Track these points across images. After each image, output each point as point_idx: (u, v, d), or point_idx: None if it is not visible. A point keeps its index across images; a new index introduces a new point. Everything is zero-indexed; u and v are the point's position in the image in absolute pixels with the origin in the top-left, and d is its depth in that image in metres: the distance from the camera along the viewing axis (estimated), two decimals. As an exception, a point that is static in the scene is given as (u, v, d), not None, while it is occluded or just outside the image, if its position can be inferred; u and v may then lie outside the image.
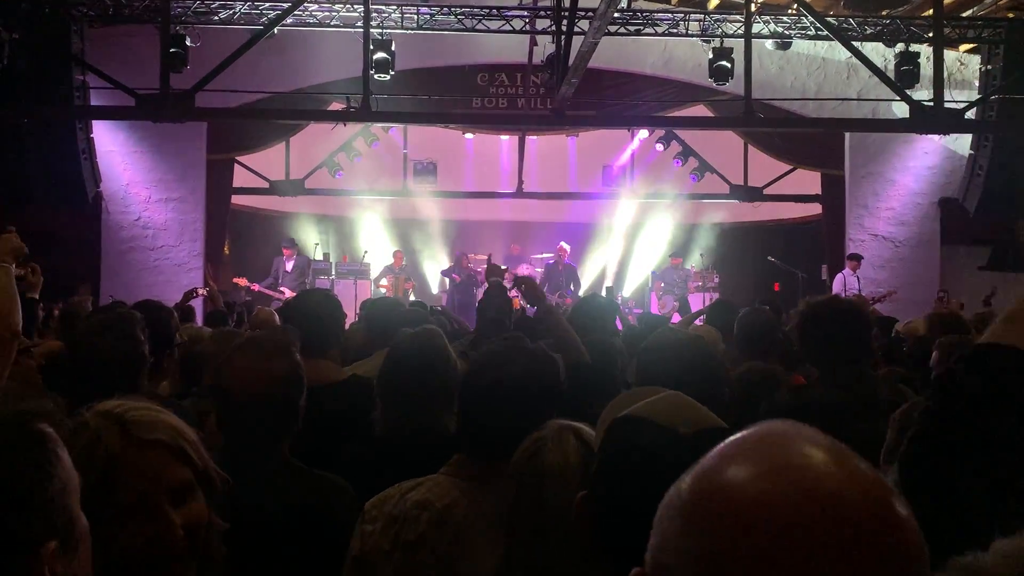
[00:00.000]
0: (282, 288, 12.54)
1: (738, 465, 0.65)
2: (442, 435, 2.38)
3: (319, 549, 1.99)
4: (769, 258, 14.39)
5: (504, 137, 14.53)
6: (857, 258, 12.38)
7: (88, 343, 2.52)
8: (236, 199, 13.56)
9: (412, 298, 12.29)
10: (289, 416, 2.09)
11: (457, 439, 2.16)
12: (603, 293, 11.93)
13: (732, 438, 0.69)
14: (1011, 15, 11.34)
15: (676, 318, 11.33)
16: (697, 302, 13.71)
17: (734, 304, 4.99)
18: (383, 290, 13.30)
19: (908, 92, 9.80)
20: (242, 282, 12.42)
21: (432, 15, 11.32)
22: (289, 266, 12.80)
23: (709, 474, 0.66)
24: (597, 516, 1.23)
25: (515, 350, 2.05)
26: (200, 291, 7.00)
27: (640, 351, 2.54)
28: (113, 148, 12.42)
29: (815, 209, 14.25)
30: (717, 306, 5.29)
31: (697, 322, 8.23)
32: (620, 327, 7.50)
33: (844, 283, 11.99)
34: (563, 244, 13.90)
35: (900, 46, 11.37)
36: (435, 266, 15.34)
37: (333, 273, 13.60)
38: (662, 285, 13.87)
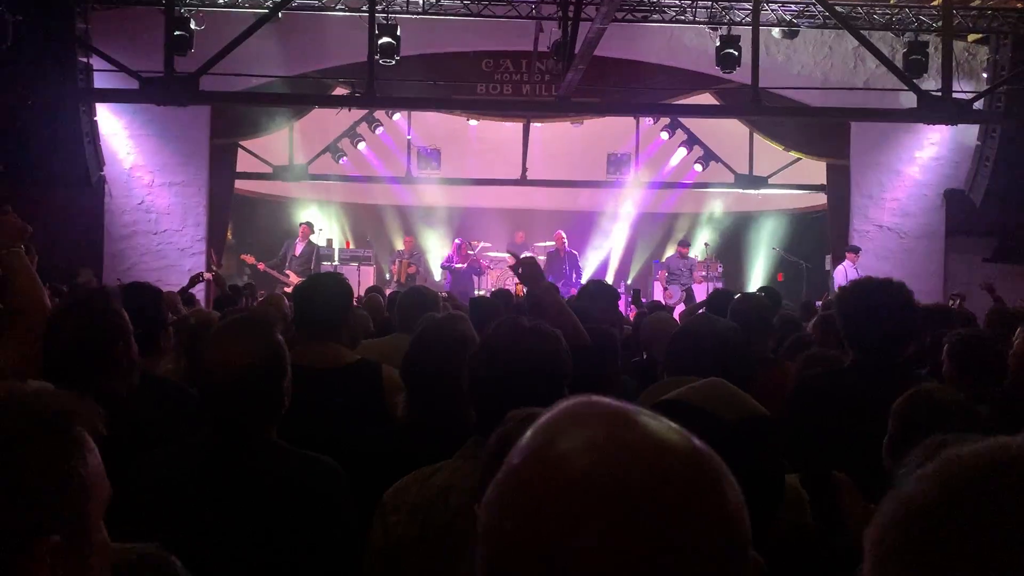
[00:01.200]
0: (288, 272, 12.54)
1: (569, 437, 0.68)
2: (465, 423, 2.38)
3: (307, 530, 1.98)
4: (773, 248, 14.36)
5: (509, 124, 14.48)
6: (856, 250, 12.36)
7: (52, 327, 2.49)
8: (239, 184, 13.53)
9: (416, 283, 12.30)
10: (271, 397, 2.07)
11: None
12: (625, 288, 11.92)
13: (553, 414, 0.71)
14: (1020, 5, 11.27)
15: (681, 308, 11.30)
16: (702, 292, 13.67)
17: (733, 292, 5.03)
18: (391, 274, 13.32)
19: (916, 82, 9.74)
20: (249, 259, 12.42)
21: (437, 0, 11.26)
22: (298, 250, 12.80)
23: (544, 447, 0.69)
24: None
25: (519, 330, 2.06)
26: (206, 275, 7.00)
27: (675, 336, 2.47)
28: (117, 132, 12.39)
29: (820, 199, 14.20)
30: (717, 295, 5.30)
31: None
32: (635, 311, 7.48)
33: (846, 275, 11.97)
34: (560, 232, 13.88)
35: (908, 35, 11.30)
36: (438, 252, 15.33)
37: (336, 259, 13.59)
38: (666, 274, 13.86)
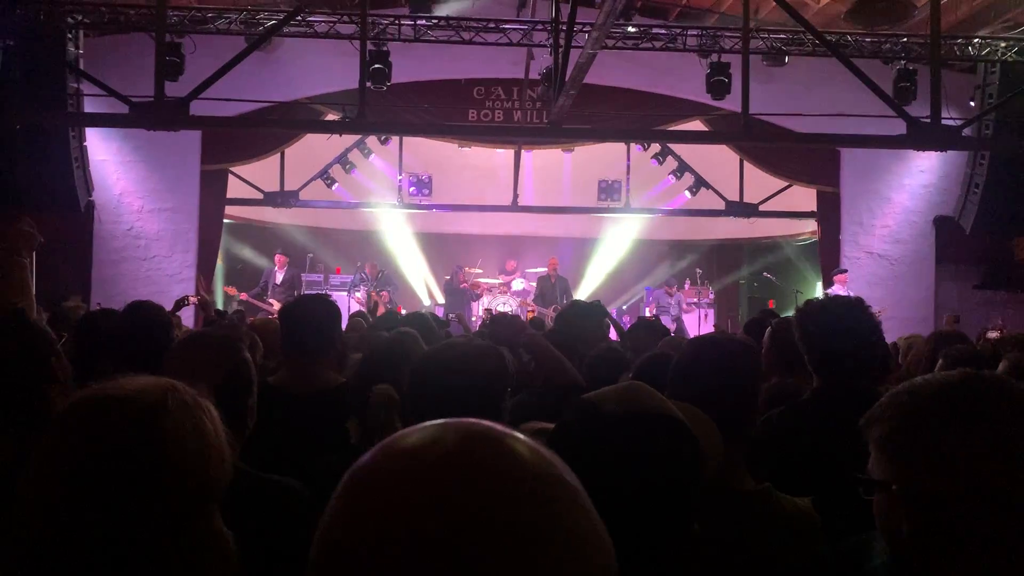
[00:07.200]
0: (270, 300, 12.47)
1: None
2: None
3: (268, 552, 1.89)
4: (764, 274, 14.38)
5: (500, 150, 14.51)
6: (844, 271, 12.44)
7: None
8: (229, 209, 13.50)
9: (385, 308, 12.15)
10: (230, 416, 1.99)
11: None
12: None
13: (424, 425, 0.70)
14: (1006, 34, 11.38)
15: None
16: (692, 320, 13.67)
17: (768, 318, 4.61)
18: (356, 304, 12.91)
19: (905, 109, 9.79)
20: (231, 291, 12.35)
21: (429, 27, 11.30)
22: (279, 278, 12.74)
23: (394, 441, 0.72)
24: None
25: (458, 345, 2.10)
26: (191, 299, 6.92)
27: (681, 354, 2.30)
28: (107, 157, 12.36)
29: (811, 226, 14.24)
30: (753, 323, 4.90)
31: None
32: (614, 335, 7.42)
33: (839, 299, 11.98)
34: (555, 259, 13.92)
35: (897, 63, 11.39)
36: (425, 277, 15.32)
37: (326, 286, 13.52)
38: (656, 307, 13.86)
